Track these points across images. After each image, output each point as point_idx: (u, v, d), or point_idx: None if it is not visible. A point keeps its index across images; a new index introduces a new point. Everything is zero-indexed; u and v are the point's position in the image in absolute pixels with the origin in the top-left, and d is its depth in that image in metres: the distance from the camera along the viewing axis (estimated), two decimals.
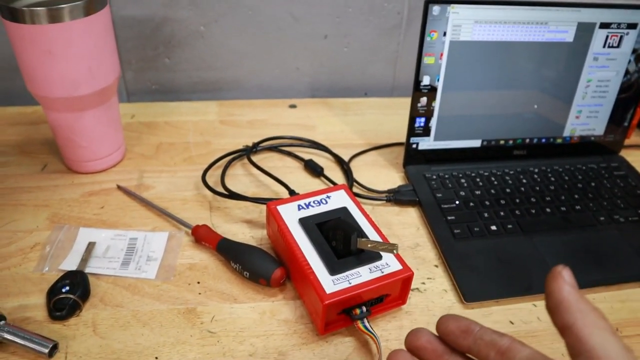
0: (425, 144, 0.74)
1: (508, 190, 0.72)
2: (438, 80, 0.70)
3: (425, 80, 0.69)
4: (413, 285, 0.60)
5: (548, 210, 0.69)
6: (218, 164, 0.74)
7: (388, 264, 0.55)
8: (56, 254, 0.61)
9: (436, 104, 0.71)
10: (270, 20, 0.85)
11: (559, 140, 0.78)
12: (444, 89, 0.70)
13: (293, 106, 0.89)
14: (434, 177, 0.73)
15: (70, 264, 0.59)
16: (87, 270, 0.59)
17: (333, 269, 0.54)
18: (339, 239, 0.56)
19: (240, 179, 0.73)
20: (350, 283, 0.53)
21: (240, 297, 0.57)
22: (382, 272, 0.54)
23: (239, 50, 0.88)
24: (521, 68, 0.71)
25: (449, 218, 0.67)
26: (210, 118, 0.85)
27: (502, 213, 0.68)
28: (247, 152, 0.75)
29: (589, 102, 0.75)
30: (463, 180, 0.73)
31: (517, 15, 0.67)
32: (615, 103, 0.76)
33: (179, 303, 0.56)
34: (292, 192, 0.69)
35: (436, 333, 0.41)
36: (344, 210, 0.61)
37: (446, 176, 0.73)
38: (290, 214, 0.60)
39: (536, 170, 0.76)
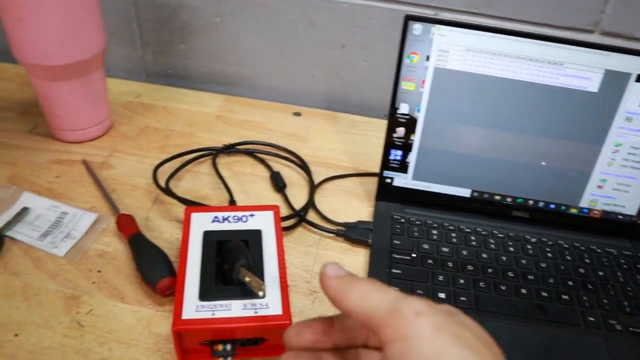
0: (402, 181, 0.65)
1: (484, 255, 0.60)
2: (419, 111, 0.60)
3: (403, 109, 0.60)
4: None
5: (523, 291, 0.56)
6: (183, 158, 0.71)
7: (268, 305, 0.48)
8: None
9: (416, 138, 0.61)
10: (286, 21, 0.81)
11: (573, 210, 0.63)
12: (426, 122, 0.61)
13: (297, 114, 0.83)
14: (402, 220, 0.63)
15: None
16: (9, 233, 0.60)
17: (203, 294, 0.48)
18: (230, 264, 0.50)
19: (202, 177, 0.70)
20: (213, 314, 0.47)
21: (128, 297, 0.54)
22: (256, 313, 0.47)
23: (253, 47, 0.85)
24: (527, 113, 0.59)
25: (393, 271, 0.57)
26: (208, 111, 0.83)
27: (461, 281, 0.57)
28: (216, 152, 0.72)
29: (617, 171, 0.60)
30: (435, 232, 0.62)
31: (523, 48, 0.55)
32: None
33: (69, 287, 0.54)
34: (232, 202, 0.64)
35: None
36: (256, 233, 0.54)
37: (417, 222, 0.63)
38: (200, 224, 0.56)
39: (533, 239, 0.62)
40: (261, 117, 0.82)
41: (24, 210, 0.63)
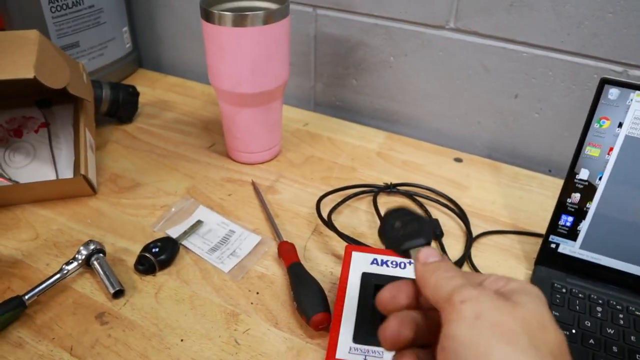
0: (568, 248, 0.61)
1: None
2: (600, 179, 0.56)
3: (583, 174, 0.57)
4: None
5: None
6: (345, 192, 0.74)
7: None
8: (171, 220, 0.69)
9: (592, 206, 0.57)
10: (460, 66, 0.80)
11: None
12: (606, 191, 0.56)
13: (458, 160, 0.82)
14: (564, 290, 0.59)
15: (175, 232, 0.67)
16: (183, 242, 0.66)
17: (358, 337, 0.50)
18: None
19: (360, 214, 0.71)
20: (365, 359, 0.48)
21: (281, 323, 0.57)
22: None
23: (422, 88, 0.85)
24: None
25: None
26: (371, 147, 0.85)
27: None
28: (377, 191, 0.73)
29: None
30: (599, 309, 0.57)
31: None
32: None
33: (230, 303, 0.59)
34: None
35: None
36: None
37: (580, 295, 0.59)
38: (360, 264, 0.57)
39: None
40: (421, 159, 0.83)
41: (199, 223, 0.69)
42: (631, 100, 0.53)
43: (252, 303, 0.59)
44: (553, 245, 0.62)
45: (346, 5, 0.84)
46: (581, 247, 0.60)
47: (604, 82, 0.53)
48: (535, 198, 0.75)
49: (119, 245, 0.65)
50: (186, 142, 0.85)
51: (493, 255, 0.66)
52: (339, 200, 0.72)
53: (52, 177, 0.73)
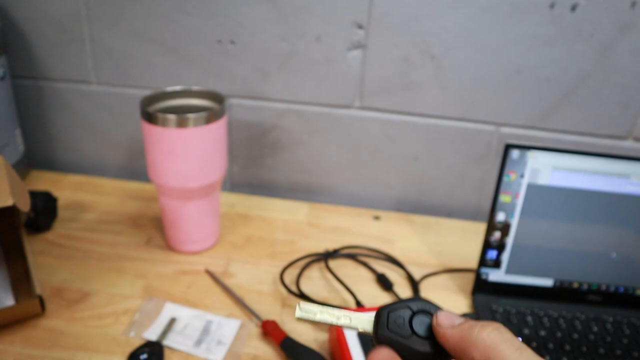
0: (496, 275, 0.76)
1: (575, 336, 0.71)
2: (512, 217, 0.72)
3: (500, 217, 0.72)
4: None
5: None
6: (297, 264, 0.81)
7: None
8: (142, 323, 0.69)
9: (509, 240, 0.73)
10: (367, 138, 0.93)
11: None
12: (518, 227, 0.73)
13: (377, 218, 0.94)
14: (501, 310, 0.74)
15: (152, 333, 0.67)
16: (165, 342, 0.66)
17: None
18: None
19: (315, 281, 0.78)
20: None
21: None
22: None
23: (334, 160, 0.97)
24: (600, 216, 0.72)
25: None
26: (299, 218, 0.93)
27: (565, 359, 0.67)
28: (325, 257, 0.81)
29: None
30: (529, 318, 0.73)
31: (596, 165, 0.70)
32: None
33: None
34: (358, 304, 0.73)
35: None
36: None
37: (513, 311, 0.74)
38: None
39: (610, 319, 0.74)
40: (346, 222, 0.93)
41: (173, 320, 0.69)
42: (528, 157, 0.70)
43: None
44: (484, 276, 0.76)
45: (259, 94, 0.92)
46: (506, 273, 0.76)
47: (508, 147, 0.70)
48: (449, 240, 0.90)
49: None
50: (120, 242, 0.83)
51: (436, 294, 0.78)
52: (298, 272, 0.79)
53: None
